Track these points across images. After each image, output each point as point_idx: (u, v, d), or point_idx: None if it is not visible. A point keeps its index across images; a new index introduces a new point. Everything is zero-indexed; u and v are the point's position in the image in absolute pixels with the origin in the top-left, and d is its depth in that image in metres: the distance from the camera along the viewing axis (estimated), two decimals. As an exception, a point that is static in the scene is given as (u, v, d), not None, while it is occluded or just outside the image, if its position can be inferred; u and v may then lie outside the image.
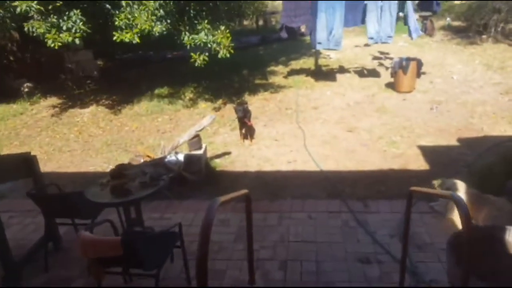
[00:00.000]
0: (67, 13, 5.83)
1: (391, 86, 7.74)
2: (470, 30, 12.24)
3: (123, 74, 10.03)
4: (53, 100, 8.59)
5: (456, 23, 13.93)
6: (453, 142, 5.39)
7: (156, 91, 8.51)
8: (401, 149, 5.27)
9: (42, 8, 5.65)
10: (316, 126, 6.30)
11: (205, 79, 8.72)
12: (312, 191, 4.39)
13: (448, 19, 14.03)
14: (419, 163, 4.86)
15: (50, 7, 5.77)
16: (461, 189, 3.36)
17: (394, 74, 7.45)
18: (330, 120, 6.46)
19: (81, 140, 6.61)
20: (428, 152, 5.09)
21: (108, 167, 5.56)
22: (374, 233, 3.58)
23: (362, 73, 8.98)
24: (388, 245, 3.36)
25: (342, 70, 9.41)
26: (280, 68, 10.05)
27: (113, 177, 3.34)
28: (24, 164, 3.45)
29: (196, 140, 4.71)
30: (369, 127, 6.06)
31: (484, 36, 11.45)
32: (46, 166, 5.68)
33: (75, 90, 8.98)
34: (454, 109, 6.61)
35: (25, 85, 9.15)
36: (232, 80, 9.09)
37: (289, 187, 4.54)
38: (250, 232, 2.80)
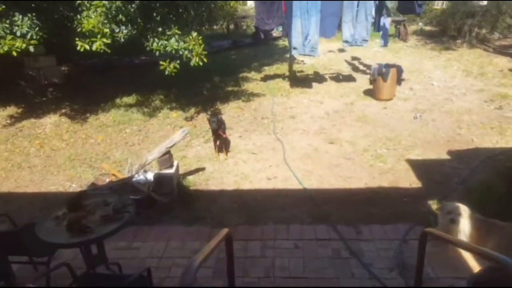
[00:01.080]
0: (20, 17, 5.25)
1: (369, 93, 7.53)
2: (443, 35, 12.27)
3: (89, 80, 9.39)
4: (12, 110, 7.88)
5: (428, 28, 13.99)
6: (443, 155, 5.17)
7: (124, 99, 7.96)
8: (388, 163, 5.01)
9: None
10: (295, 137, 5.97)
11: (175, 86, 8.24)
12: (297, 214, 4.05)
13: (420, 23, 14.09)
14: (410, 179, 4.61)
15: (-1, 9, 5.17)
16: (465, 214, 3.08)
17: (373, 81, 7.24)
18: (310, 131, 6.15)
19: (42, 154, 6.02)
20: (418, 166, 4.86)
21: (70, 186, 5.06)
22: (370, 265, 3.26)
23: (338, 79, 8.75)
24: (388, 281, 3.05)
25: (318, 76, 9.16)
26: (253, 74, 9.69)
27: (70, 209, 2.87)
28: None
29: (166, 158, 4.27)
30: (352, 138, 5.79)
31: (459, 41, 11.49)
32: (2, 185, 5.15)
33: (37, 99, 8.30)
34: (439, 118, 6.43)
35: (-20, 93, 8.37)
36: (204, 87, 8.66)
37: (271, 208, 4.18)
38: (232, 275, 2.43)
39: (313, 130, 6.16)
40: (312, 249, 3.52)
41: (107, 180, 4.62)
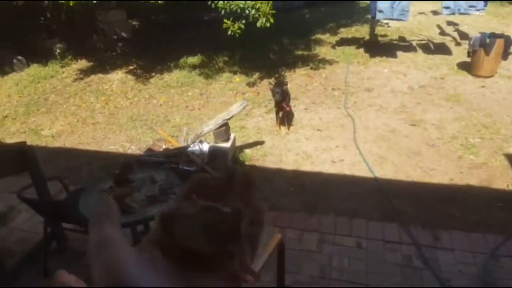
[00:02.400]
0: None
1: (465, 67, 6.42)
2: None
3: (157, 37, 9.26)
4: (84, 63, 8.05)
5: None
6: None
7: (189, 59, 7.70)
8: (481, 156, 4.20)
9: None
10: (370, 114, 5.27)
11: (240, 46, 7.74)
12: (363, 207, 3.52)
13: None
14: (508, 179, 3.80)
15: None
16: None
17: (472, 53, 6.14)
18: (388, 108, 5.40)
19: (107, 111, 6.03)
20: (520, 164, 4.01)
21: (129, 147, 4.98)
22: (448, 281, 2.73)
23: (428, 47, 7.62)
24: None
25: (404, 42, 8.05)
26: (327, 37, 8.79)
27: (117, 183, 2.66)
28: (19, 157, 2.84)
29: (222, 130, 3.93)
30: (439, 121, 4.96)
31: None
32: (67, 140, 5.25)
33: (106, 53, 8.39)
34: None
35: (58, 45, 8.66)
36: (271, 49, 8.05)
37: (333, 197, 3.70)
38: (283, 277, 2.05)
39: (392, 108, 5.39)
40: (377, 251, 3.04)
41: (164, 146, 4.44)
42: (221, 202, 0.30)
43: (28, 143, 5.07)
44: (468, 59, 6.34)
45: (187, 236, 0.30)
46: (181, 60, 7.65)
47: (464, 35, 7.97)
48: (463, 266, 2.88)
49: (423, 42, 7.92)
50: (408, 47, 7.68)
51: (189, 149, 4.13)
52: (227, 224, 0.31)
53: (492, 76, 6.10)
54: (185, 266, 0.30)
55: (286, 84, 4.92)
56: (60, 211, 2.79)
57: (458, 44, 7.67)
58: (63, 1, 5.39)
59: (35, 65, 7.76)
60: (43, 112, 6.12)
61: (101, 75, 7.33)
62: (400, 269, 2.87)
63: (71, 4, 5.32)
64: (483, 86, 5.87)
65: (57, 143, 5.13)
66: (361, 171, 4.06)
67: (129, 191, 2.55)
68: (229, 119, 3.95)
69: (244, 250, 0.30)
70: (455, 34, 8.31)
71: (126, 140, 5.15)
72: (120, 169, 2.74)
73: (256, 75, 6.79)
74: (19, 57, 7.80)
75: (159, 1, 5.14)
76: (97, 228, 0.31)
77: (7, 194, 3.66)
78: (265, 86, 6.18)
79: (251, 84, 6.46)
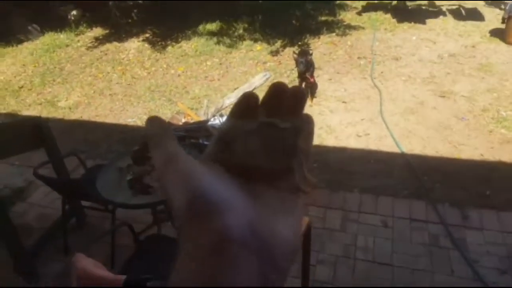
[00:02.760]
0: None
1: (499, 35, 6.02)
2: None
3: (175, 2, 8.99)
4: (99, 31, 7.90)
5: None
6: None
7: (208, 26, 7.46)
8: (514, 130, 3.99)
9: None
10: (397, 84, 5.03)
11: (261, 12, 7.43)
12: (389, 184, 3.40)
13: None
14: (543, 156, 3.61)
15: None
16: None
17: (507, 20, 5.73)
18: (416, 78, 5.13)
19: (124, 82, 5.94)
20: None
21: (147, 119, 4.90)
22: (476, 263, 2.63)
23: (459, 13, 7.16)
24: (497, 285, 2.42)
25: (433, 7, 7.59)
26: (352, 2, 8.33)
27: (135, 160, 2.59)
28: (35, 133, 2.79)
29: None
30: (469, 92, 4.69)
31: None
32: (84, 112, 5.20)
33: (122, 20, 8.18)
34: None
35: (72, 12, 8.50)
36: (293, 15, 7.70)
37: (358, 173, 3.57)
38: (307, 274, 1.98)
39: (420, 78, 5.11)
40: (404, 230, 2.95)
41: (183, 120, 4.34)
42: (274, 116, 0.33)
43: (45, 115, 5.12)
44: (502, 26, 5.93)
45: (247, 154, 0.32)
46: (199, 27, 7.42)
47: (498, 1, 7.46)
48: (492, 246, 2.77)
49: (454, 7, 7.44)
50: (438, 13, 7.24)
51: (209, 123, 4.02)
52: (287, 140, 0.32)
53: (529, 44, 5.72)
54: (247, 180, 0.31)
55: (311, 54, 4.70)
56: (77, 189, 2.75)
57: (493, 9, 7.18)
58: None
59: (49, 33, 7.66)
60: (59, 82, 6.08)
61: (117, 44, 7.19)
62: (427, 249, 2.79)
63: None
64: (517, 55, 5.51)
65: (74, 115, 5.09)
66: (388, 146, 3.90)
67: (149, 169, 2.47)
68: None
69: (302, 163, 0.32)
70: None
71: (144, 113, 5.07)
72: (139, 146, 2.67)
73: (278, 43, 6.53)
74: (34, 25, 7.69)
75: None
76: (159, 149, 0.32)
77: (26, 168, 3.66)
78: (288, 55, 5.95)
79: (273, 53, 6.23)
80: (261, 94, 0.32)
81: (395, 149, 3.83)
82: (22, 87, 5.95)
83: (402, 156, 3.73)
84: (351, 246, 2.86)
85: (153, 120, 0.35)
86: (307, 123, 0.35)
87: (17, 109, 5.34)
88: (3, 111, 5.34)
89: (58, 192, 2.86)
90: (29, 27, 7.65)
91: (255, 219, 0.29)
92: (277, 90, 0.35)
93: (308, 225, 1.80)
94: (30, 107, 5.38)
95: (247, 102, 0.35)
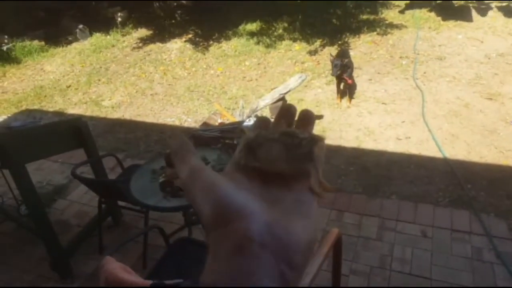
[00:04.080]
0: None
1: (554, 32, 5.64)
2: None
3: (217, 3, 9.10)
4: (144, 32, 8.15)
5: None
6: None
7: (248, 26, 7.49)
8: None
9: None
10: (441, 86, 4.81)
11: (301, 11, 7.35)
12: (429, 191, 3.27)
13: None
14: None
15: None
16: None
17: None
18: (461, 79, 4.89)
19: (165, 82, 6.10)
20: None
21: (186, 120, 5.01)
22: (523, 280, 2.47)
23: (509, 10, 6.75)
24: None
25: (481, 4, 7.19)
26: (395, 0, 8.11)
27: (169, 163, 2.65)
28: (75, 133, 2.91)
29: (279, 105, 3.76)
30: (519, 95, 4.43)
31: None
32: (126, 111, 5.38)
33: (166, 21, 8.40)
34: None
35: (119, 14, 8.82)
36: (334, 13, 7.56)
37: (397, 178, 3.46)
38: (338, 276, 1.94)
39: (466, 79, 4.87)
40: (445, 242, 2.82)
41: (219, 120, 4.39)
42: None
43: (89, 114, 5.35)
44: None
45: (270, 158, 0.36)
46: (240, 27, 7.47)
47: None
48: (542, 262, 2.60)
49: (503, 4, 7.01)
50: (486, 10, 6.85)
51: (244, 124, 4.04)
52: (304, 147, 0.37)
53: None
54: (267, 186, 0.35)
55: (348, 57, 4.59)
56: (112, 190, 2.85)
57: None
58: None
59: (97, 34, 7.97)
60: (104, 82, 6.32)
61: (160, 44, 7.38)
62: (469, 263, 2.65)
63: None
64: None
65: (116, 114, 5.28)
66: (429, 151, 3.75)
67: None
68: (286, 93, 3.79)
69: (318, 169, 0.36)
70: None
71: (183, 113, 5.18)
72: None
73: (317, 42, 6.45)
74: (82, 26, 8.04)
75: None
76: (183, 163, 0.36)
77: (68, 166, 3.84)
78: (326, 54, 5.86)
79: (311, 53, 6.16)
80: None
81: (438, 154, 3.67)
82: (69, 86, 6.25)
83: (445, 161, 3.57)
84: (387, 256, 2.76)
85: (176, 136, 0.39)
86: (319, 140, 0.38)
87: (63, 108, 5.62)
88: (51, 109, 5.64)
89: (94, 191, 2.97)
90: (78, 28, 8.00)
91: (272, 221, 0.32)
92: (286, 111, 0.40)
93: (338, 235, 1.76)
94: (76, 105, 5.64)
95: (258, 123, 0.41)
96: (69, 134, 2.90)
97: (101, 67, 6.90)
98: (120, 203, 3.03)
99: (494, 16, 6.61)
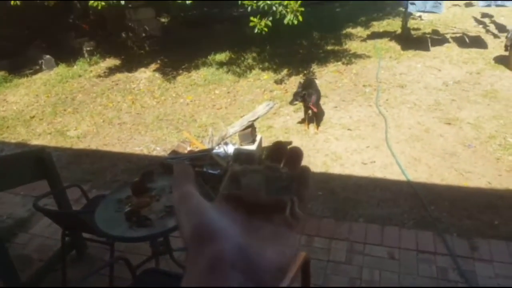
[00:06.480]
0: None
1: (503, 61, 6.04)
2: None
3: (186, 34, 9.25)
4: (112, 62, 8.12)
5: None
6: None
7: (217, 56, 7.63)
8: (521, 157, 3.93)
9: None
10: (403, 112, 5.03)
11: (270, 42, 7.59)
12: (395, 213, 3.35)
13: None
14: (550, 183, 3.54)
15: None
16: None
17: (510, 47, 5.76)
18: (421, 105, 5.14)
19: (133, 111, 6.04)
20: None
21: (155, 148, 4.95)
22: (487, 298, 2.54)
23: (463, 41, 7.23)
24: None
25: (437, 36, 7.68)
26: (358, 31, 8.51)
27: (135, 192, 2.60)
28: (38, 164, 2.83)
29: (248, 132, 3.82)
30: (475, 119, 4.68)
31: None
32: (92, 141, 5.25)
33: (135, 51, 8.43)
34: None
35: (86, 44, 8.78)
36: (301, 44, 7.85)
37: (363, 201, 3.53)
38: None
39: (425, 105, 5.12)
40: (411, 263, 2.87)
41: (188, 148, 4.38)
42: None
43: (53, 144, 5.20)
44: (506, 53, 5.96)
45: (252, 189, 0.39)
46: (209, 57, 7.59)
47: (501, 28, 7.52)
48: (503, 279, 2.69)
49: (458, 35, 7.52)
50: (442, 41, 7.32)
51: (214, 151, 4.05)
52: (283, 181, 0.40)
53: (531, 71, 5.72)
54: (249, 215, 0.39)
55: (314, 86, 4.75)
56: (76, 221, 2.76)
57: (496, 37, 7.23)
58: (92, 4, 5.42)
59: (63, 64, 7.87)
60: (70, 112, 6.20)
61: (128, 74, 7.37)
62: (435, 283, 2.71)
63: (99, 7, 5.31)
64: (521, 81, 5.50)
65: (82, 144, 5.16)
66: (394, 174, 3.87)
67: (147, 201, 2.47)
68: (254, 120, 3.85)
69: (294, 201, 0.39)
70: (492, 27, 7.84)
71: (151, 141, 5.13)
72: (139, 178, 2.68)
73: (284, 71, 6.64)
74: (48, 56, 7.93)
75: (187, 1, 5.09)
76: (178, 187, 0.40)
77: (30, 198, 3.69)
78: (294, 83, 6.02)
79: (279, 81, 6.32)
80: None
81: (401, 177, 3.79)
82: (33, 117, 6.08)
83: (408, 184, 3.69)
84: (357, 279, 2.78)
85: (180, 165, 0.43)
86: (305, 172, 0.42)
87: (26, 139, 5.44)
88: (13, 141, 5.45)
89: (58, 224, 2.86)
90: (44, 59, 7.89)
91: (245, 244, 0.35)
92: (277, 148, 0.44)
93: (306, 259, 1.77)
94: (40, 136, 5.48)
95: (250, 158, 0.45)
96: (31, 165, 2.81)
97: (67, 97, 6.77)
98: (85, 235, 2.93)
99: (450, 46, 7.05)
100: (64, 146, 5.11)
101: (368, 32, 8.32)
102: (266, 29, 5.16)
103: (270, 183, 0.39)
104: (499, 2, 6.20)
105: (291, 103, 4.68)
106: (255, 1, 5.07)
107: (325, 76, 6.36)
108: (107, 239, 2.61)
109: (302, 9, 5.01)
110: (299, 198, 0.40)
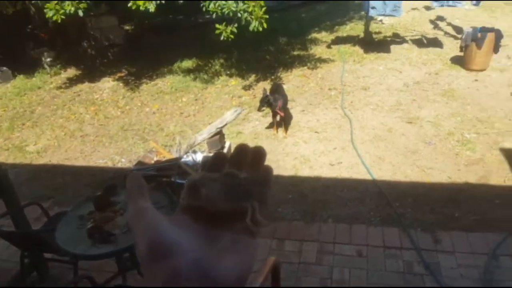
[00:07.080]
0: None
1: (458, 61, 6.33)
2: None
3: (150, 42, 9.12)
4: (73, 72, 7.89)
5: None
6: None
7: (184, 63, 7.57)
8: (477, 152, 4.12)
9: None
10: (366, 113, 5.16)
11: (237, 48, 7.61)
12: (362, 212, 3.42)
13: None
14: (504, 175, 3.73)
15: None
16: None
17: (464, 48, 6.04)
18: (384, 106, 5.29)
19: (96, 122, 5.88)
20: (516, 159, 3.92)
21: (119, 160, 4.84)
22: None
23: (422, 43, 7.51)
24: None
25: (398, 38, 7.95)
26: (323, 36, 8.67)
27: (97, 207, 2.52)
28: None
29: (216, 139, 3.81)
30: (434, 117, 4.86)
31: None
32: (53, 155, 5.06)
33: (97, 60, 8.22)
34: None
35: (46, 54, 8.48)
36: (267, 50, 7.93)
37: (332, 202, 3.59)
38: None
39: (388, 106, 5.28)
40: (378, 259, 2.95)
41: (155, 158, 4.30)
42: (238, 170, 0.42)
43: (11, 161, 4.97)
44: (461, 54, 6.24)
45: (211, 198, 0.38)
46: (175, 65, 7.52)
47: (457, 29, 7.87)
48: (465, 269, 2.80)
49: (417, 37, 7.81)
50: (401, 43, 7.58)
51: (182, 160, 4.00)
52: (243, 187, 0.39)
53: (484, 69, 6.03)
54: (209, 225, 0.38)
55: (281, 91, 4.80)
56: (35, 242, 2.65)
57: (453, 37, 7.57)
58: (49, 16, 5.24)
59: (21, 76, 7.57)
60: (29, 126, 5.94)
61: (90, 84, 7.18)
62: (402, 277, 2.79)
63: (58, 21, 5.15)
64: (476, 80, 5.79)
65: (42, 160, 4.95)
66: (360, 173, 3.96)
67: (111, 216, 2.40)
68: (222, 127, 3.85)
69: (255, 207, 0.39)
70: (449, 29, 8.20)
71: (116, 153, 5.00)
72: (102, 192, 2.61)
73: (252, 77, 6.67)
74: (4, 68, 7.60)
75: (150, 10, 5.03)
76: (132, 202, 0.39)
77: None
78: (262, 88, 6.05)
79: (247, 87, 6.34)
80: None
81: (367, 176, 3.89)
82: (-12, 133, 5.81)
83: (374, 183, 3.78)
84: (327, 279, 2.82)
85: (132, 177, 0.41)
86: (267, 173, 0.42)
87: (-18, 156, 5.19)
88: (-33, 159, 5.18)
89: (15, 245, 2.73)
90: (0, 70, 7.56)
91: (201, 258, 0.35)
92: (240, 150, 0.43)
93: (275, 263, 1.78)
94: (-4, 153, 5.23)
95: (215, 159, 0.43)
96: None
97: (25, 111, 6.50)
98: (47, 255, 2.81)
99: (410, 48, 7.31)
100: (23, 162, 4.90)
101: (332, 36, 8.49)
102: (232, 36, 5.16)
103: (230, 190, 0.39)
104: (450, 3, 6.48)
105: (259, 109, 4.70)
106: (219, 8, 5.06)
107: (292, 80, 6.44)
108: (69, 258, 2.51)
109: (266, 16, 5.05)
110: (261, 201, 0.39)
